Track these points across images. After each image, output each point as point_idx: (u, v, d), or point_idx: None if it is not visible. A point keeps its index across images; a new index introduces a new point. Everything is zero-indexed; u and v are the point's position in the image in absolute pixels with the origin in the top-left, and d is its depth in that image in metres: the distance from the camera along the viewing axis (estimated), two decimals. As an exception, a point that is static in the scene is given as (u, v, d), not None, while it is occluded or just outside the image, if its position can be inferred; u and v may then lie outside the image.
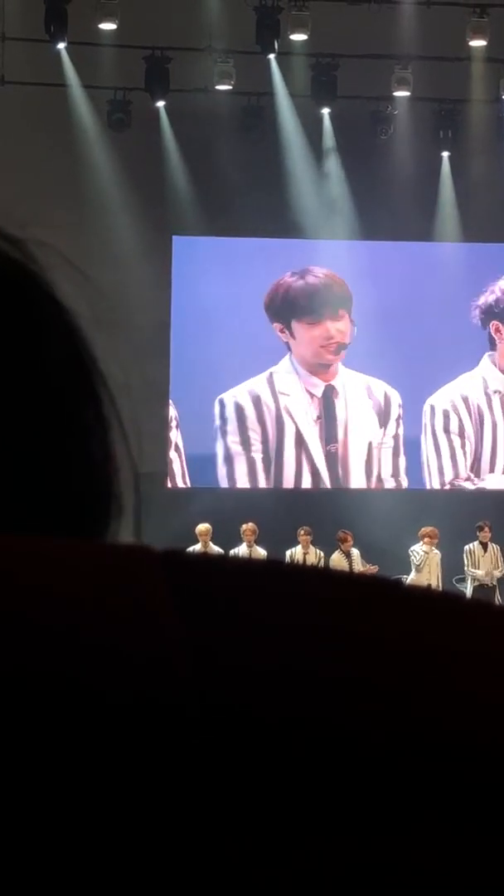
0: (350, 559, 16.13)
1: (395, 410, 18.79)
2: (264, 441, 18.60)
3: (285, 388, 18.54)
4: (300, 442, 18.55)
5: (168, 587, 0.46)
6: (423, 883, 0.43)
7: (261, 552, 16.10)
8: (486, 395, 18.99)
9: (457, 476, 18.92)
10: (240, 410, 18.58)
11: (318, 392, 18.64)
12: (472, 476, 18.97)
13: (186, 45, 17.52)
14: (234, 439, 18.57)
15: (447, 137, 18.83)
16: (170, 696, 0.43)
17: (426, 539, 16.18)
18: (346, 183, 18.75)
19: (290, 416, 18.53)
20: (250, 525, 16.13)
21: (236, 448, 18.57)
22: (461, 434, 18.92)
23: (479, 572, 16.24)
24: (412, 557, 16.14)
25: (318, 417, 18.60)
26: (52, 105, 17.68)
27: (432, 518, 16.86)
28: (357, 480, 18.71)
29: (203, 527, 16.06)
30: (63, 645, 0.43)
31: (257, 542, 16.01)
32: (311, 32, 17.51)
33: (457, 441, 18.91)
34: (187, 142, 18.28)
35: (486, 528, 16.46)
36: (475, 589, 16.17)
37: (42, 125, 17.64)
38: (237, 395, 18.57)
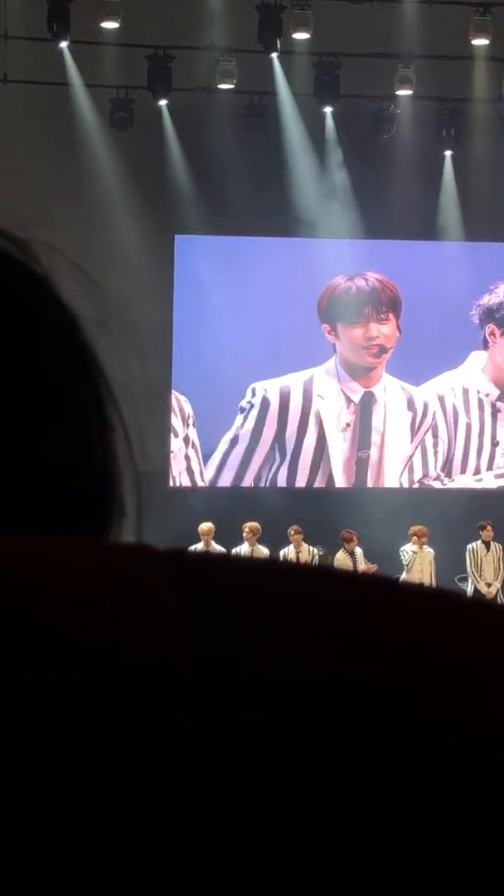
0: (354, 559, 16.13)
1: (429, 420, 18.77)
2: (279, 438, 18.57)
3: (322, 390, 18.51)
4: (321, 446, 18.51)
5: (170, 587, 0.46)
6: (424, 884, 0.43)
7: (263, 551, 16.10)
8: (465, 394, 18.92)
9: (426, 475, 18.89)
10: (265, 404, 18.55)
11: (357, 398, 18.62)
12: (443, 476, 18.92)
13: (189, 44, 17.52)
14: (248, 428, 18.54)
15: (450, 136, 18.82)
16: (170, 697, 0.43)
17: (415, 538, 16.19)
18: (348, 182, 18.74)
19: (319, 419, 18.48)
20: (252, 524, 16.13)
21: (245, 439, 18.55)
22: (434, 433, 18.86)
23: (480, 584, 16.24)
24: (401, 557, 16.15)
25: (348, 425, 18.54)
26: (55, 104, 17.68)
27: (437, 516, 16.86)
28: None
29: (206, 526, 16.07)
30: (62, 645, 0.43)
31: (259, 542, 16.01)
32: (313, 31, 17.51)
33: (429, 440, 18.85)
34: (190, 141, 18.27)
35: (489, 528, 16.47)
36: (476, 588, 16.18)
37: (44, 124, 17.65)
38: (268, 387, 18.54)
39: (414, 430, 18.77)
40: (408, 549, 16.19)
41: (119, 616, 0.44)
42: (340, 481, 18.62)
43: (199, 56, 17.71)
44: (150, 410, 18.10)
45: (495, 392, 18.95)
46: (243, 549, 15.81)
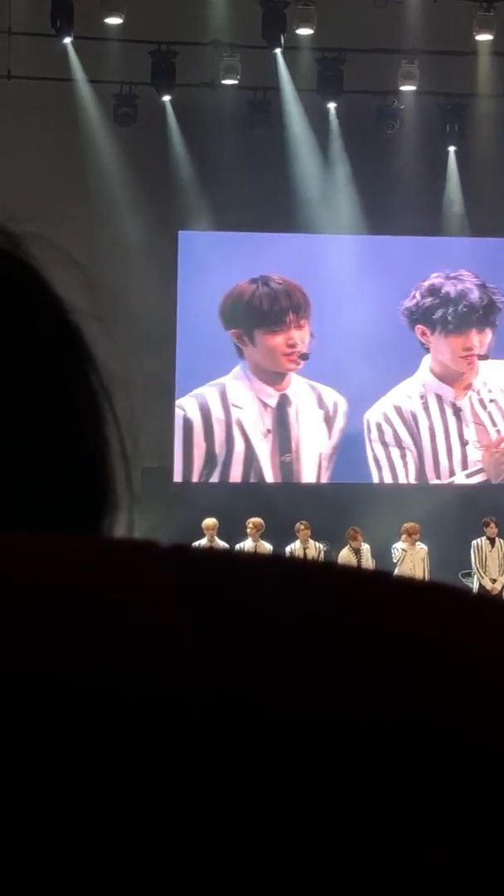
0: (359, 556, 16.12)
1: (341, 420, 18.65)
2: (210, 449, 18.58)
3: (237, 399, 18.46)
4: (250, 454, 18.48)
5: (175, 583, 0.46)
6: (428, 881, 0.43)
7: (266, 547, 16.10)
8: (422, 399, 18.84)
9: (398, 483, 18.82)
10: (188, 423, 18.54)
11: (273, 402, 18.57)
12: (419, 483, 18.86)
13: (192, 40, 17.52)
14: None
15: (453, 132, 18.81)
16: (177, 692, 0.43)
17: (405, 535, 16.19)
18: (352, 178, 18.74)
19: (242, 428, 18.45)
20: (256, 520, 16.13)
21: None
22: (398, 444, 18.78)
23: (485, 580, 16.24)
24: (392, 554, 16.16)
25: (269, 430, 18.49)
26: (59, 100, 17.69)
27: (442, 513, 16.87)
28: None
29: (210, 521, 16.07)
30: (68, 643, 0.43)
31: (263, 537, 16.01)
32: (317, 27, 17.50)
33: (395, 452, 18.77)
34: (193, 136, 18.27)
35: (493, 524, 16.47)
36: (482, 584, 16.19)
37: (48, 120, 17.65)
38: (186, 404, 18.50)
39: (329, 427, 18.68)
40: (398, 547, 16.19)
41: (124, 613, 0.44)
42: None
43: (203, 52, 17.71)
44: (153, 405, 18.11)
45: (449, 391, 18.85)
46: (247, 544, 15.81)
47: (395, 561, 16.04)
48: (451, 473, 18.90)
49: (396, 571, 15.59)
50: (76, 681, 0.42)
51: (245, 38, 17.51)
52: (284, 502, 17.27)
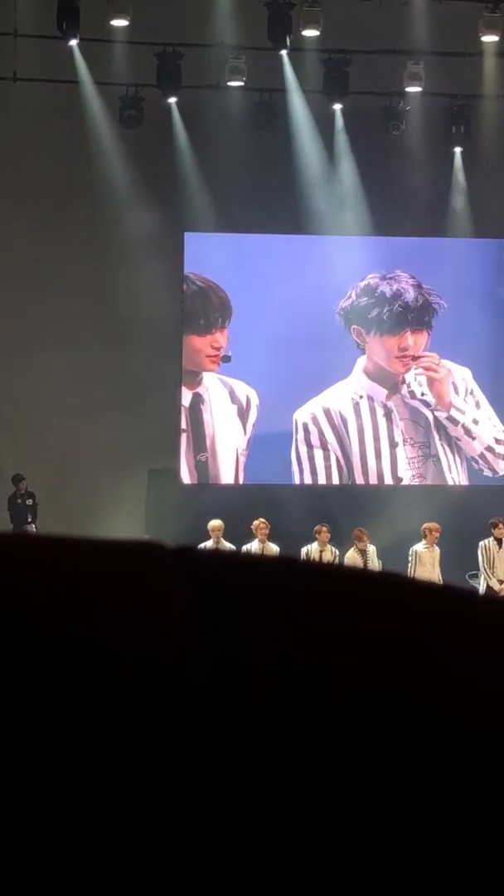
0: (365, 557, 16.09)
1: (254, 414, 18.59)
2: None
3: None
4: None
5: (179, 584, 0.46)
6: (428, 878, 0.43)
7: (273, 548, 16.08)
8: (353, 401, 18.75)
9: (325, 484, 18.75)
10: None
11: (187, 401, 18.53)
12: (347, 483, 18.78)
13: (198, 42, 17.50)
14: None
15: (459, 133, 18.78)
16: (181, 693, 0.43)
17: (426, 535, 16.13)
18: (358, 179, 18.71)
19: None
20: (262, 521, 16.10)
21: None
22: (324, 446, 18.70)
23: (493, 581, 16.20)
24: (409, 558, 16.09)
25: (183, 430, 18.46)
26: (65, 101, 17.68)
27: (451, 513, 16.85)
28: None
29: (216, 523, 16.03)
30: (75, 646, 0.43)
31: (270, 538, 15.99)
32: (322, 28, 17.48)
33: (319, 453, 18.69)
34: (199, 138, 18.26)
35: (501, 525, 16.44)
36: (489, 585, 16.16)
37: (54, 122, 17.65)
38: None
39: (244, 422, 18.60)
40: (417, 548, 16.12)
41: (130, 615, 0.44)
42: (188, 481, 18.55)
43: (209, 53, 17.69)
44: (160, 407, 18.09)
45: (381, 392, 18.79)
46: (254, 545, 15.80)
47: (410, 561, 15.98)
48: (380, 477, 18.80)
49: (417, 572, 15.56)
50: (79, 681, 0.42)
51: (251, 40, 17.49)
52: (294, 503, 17.24)
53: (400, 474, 18.85)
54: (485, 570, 16.32)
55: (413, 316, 18.72)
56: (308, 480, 18.62)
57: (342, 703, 0.45)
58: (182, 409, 18.43)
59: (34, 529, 17.08)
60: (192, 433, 18.46)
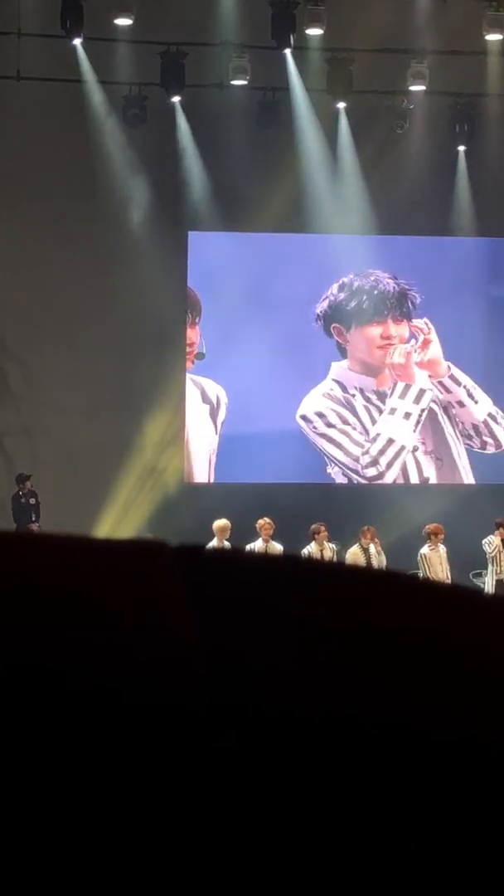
0: (368, 554, 16.09)
1: (223, 413, 18.61)
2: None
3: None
4: None
5: (181, 583, 0.45)
6: (432, 877, 0.43)
7: (277, 547, 16.07)
8: (346, 399, 18.73)
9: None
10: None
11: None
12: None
13: (202, 41, 17.50)
14: None
15: (463, 131, 18.78)
16: (183, 693, 0.42)
17: (430, 537, 16.12)
18: (361, 177, 18.71)
19: None
20: (266, 520, 16.10)
21: None
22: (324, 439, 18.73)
23: (503, 575, 16.22)
24: (419, 561, 16.09)
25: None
26: (68, 101, 17.68)
27: (457, 513, 16.86)
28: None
29: (222, 523, 15.99)
30: (78, 646, 0.43)
31: (273, 538, 15.98)
32: (326, 27, 17.48)
33: (316, 451, 18.72)
34: (203, 137, 18.27)
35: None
36: (497, 583, 16.17)
37: (58, 121, 17.65)
38: None
39: (214, 422, 18.62)
40: (425, 552, 16.11)
41: (133, 615, 0.44)
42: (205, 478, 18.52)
43: (213, 52, 17.69)
44: (164, 406, 18.10)
45: (370, 382, 18.77)
46: (257, 545, 15.79)
47: (420, 565, 15.99)
48: (381, 474, 18.79)
49: (428, 575, 15.57)
50: (81, 681, 0.42)
51: (255, 39, 17.49)
52: (298, 502, 17.26)
53: (402, 470, 18.86)
54: (492, 566, 16.34)
55: (392, 304, 18.73)
56: (310, 480, 18.65)
57: (346, 702, 0.45)
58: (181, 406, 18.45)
59: (37, 528, 17.08)
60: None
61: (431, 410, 18.94)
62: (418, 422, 18.77)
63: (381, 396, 18.76)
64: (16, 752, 0.43)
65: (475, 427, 19.05)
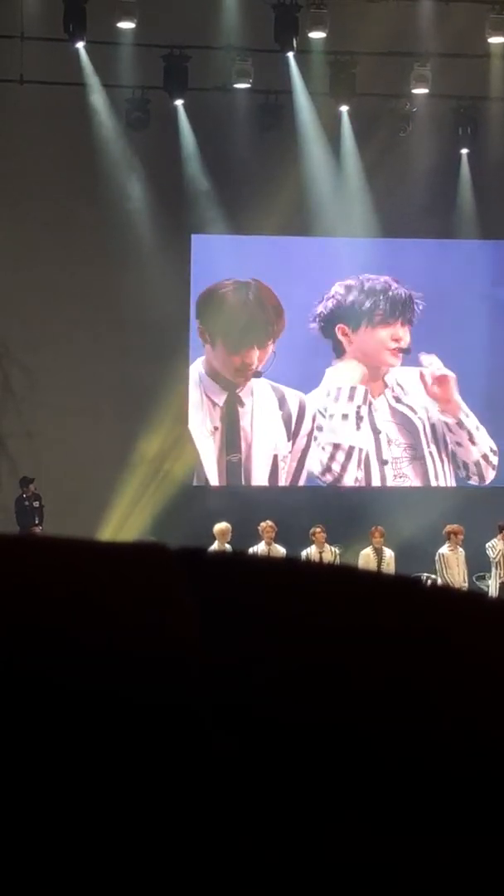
0: (380, 556, 16.06)
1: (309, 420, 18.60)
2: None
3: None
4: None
5: (184, 587, 0.46)
6: (438, 881, 0.43)
7: (279, 550, 16.07)
8: (335, 402, 18.70)
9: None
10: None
11: (221, 401, 18.52)
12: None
13: (205, 44, 17.51)
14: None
15: (466, 134, 18.78)
16: (185, 698, 0.43)
17: (450, 538, 16.09)
18: (364, 181, 18.72)
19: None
20: (269, 523, 16.09)
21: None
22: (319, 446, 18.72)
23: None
24: (437, 561, 16.08)
25: (216, 428, 18.46)
26: (71, 104, 17.70)
27: (460, 515, 16.85)
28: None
29: (222, 526, 15.99)
30: (79, 648, 0.43)
31: (276, 540, 15.98)
32: (329, 30, 17.48)
33: (315, 454, 18.70)
34: (206, 140, 18.27)
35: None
36: (501, 586, 16.16)
37: (61, 124, 17.66)
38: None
39: (290, 429, 18.60)
40: (444, 551, 16.08)
41: (134, 617, 0.44)
42: (214, 482, 18.51)
43: (215, 55, 17.70)
44: (167, 408, 18.10)
45: (362, 390, 18.73)
46: (260, 547, 15.79)
47: (437, 564, 15.98)
48: (368, 480, 18.76)
49: (444, 575, 15.56)
50: (82, 684, 0.42)
51: (257, 42, 17.50)
52: (301, 505, 17.25)
53: (387, 476, 18.85)
54: (496, 570, 16.33)
55: (402, 308, 18.73)
56: (304, 482, 18.67)
57: (349, 706, 0.45)
58: (217, 408, 18.42)
59: (40, 531, 17.09)
60: (225, 432, 18.44)
61: (437, 424, 18.92)
62: (359, 419, 18.70)
63: (371, 413, 18.75)
64: (18, 753, 0.43)
65: (465, 464, 19.08)
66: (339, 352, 18.76)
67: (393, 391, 18.81)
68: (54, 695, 0.44)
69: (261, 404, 18.44)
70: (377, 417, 18.77)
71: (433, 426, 18.92)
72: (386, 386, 18.83)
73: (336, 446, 18.65)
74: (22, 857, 0.43)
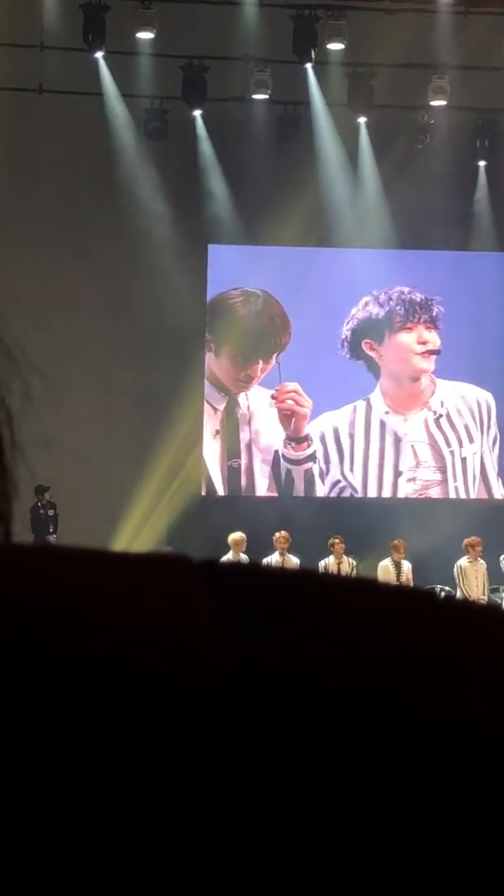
0: (399, 569, 16.04)
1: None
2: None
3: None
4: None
5: (208, 599, 0.46)
6: (448, 888, 0.43)
7: (293, 560, 16.06)
8: (366, 421, 18.70)
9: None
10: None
11: (221, 406, 18.53)
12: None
13: (223, 55, 17.55)
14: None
15: (484, 147, 18.78)
16: (211, 711, 0.43)
17: (469, 550, 16.06)
18: (382, 192, 18.73)
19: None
20: (283, 533, 16.09)
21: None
22: (325, 460, 18.67)
23: None
24: (455, 573, 16.05)
25: (217, 432, 18.46)
26: (90, 114, 17.75)
27: (477, 528, 16.83)
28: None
29: (237, 536, 15.97)
30: (101, 661, 0.43)
31: (289, 551, 15.98)
32: (347, 41, 17.51)
33: (335, 467, 18.67)
34: (224, 151, 18.31)
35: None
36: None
37: (79, 134, 17.71)
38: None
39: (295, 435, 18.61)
40: (463, 563, 16.05)
41: (158, 632, 0.44)
42: (220, 489, 18.52)
43: (234, 66, 17.73)
44: (183, 418, 18.12)
45: (399, 420, 18.67)
46: (273, 558, 15.78)
47: (456, 576, 15.95)
48: (395, 491, 18.74)
49: (463, 587, 15.54)
50: (110, 697, 0.42)
51: (276, 53, 17.53)
52: (313, 516, 17.25)
53: (409, 488, 18.85)
54: None
55: (422, 310, 18.70)
56: (321, 493, 18.66)
57: (371, 722, 0.45)
58: (217, 412, 18.44)
59: (55, 540, 17.10)
60: (225, 437, 18.46)
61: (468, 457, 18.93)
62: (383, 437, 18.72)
63: (399, 435, 18.73)
64: (43, 764, 0.44)
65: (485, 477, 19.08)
66: (374, 369, 18.69)
67: (435, 413, 18.78)
68: (79, 706, 0.44)
69: (260, 410, 18.46)
70: (409, 436, 18.73)
71: (463, 459, 18.88)
72: (428, 407, 18.79)
73: (350, 457, 18.67)
74: (42, 870, 0.43)
